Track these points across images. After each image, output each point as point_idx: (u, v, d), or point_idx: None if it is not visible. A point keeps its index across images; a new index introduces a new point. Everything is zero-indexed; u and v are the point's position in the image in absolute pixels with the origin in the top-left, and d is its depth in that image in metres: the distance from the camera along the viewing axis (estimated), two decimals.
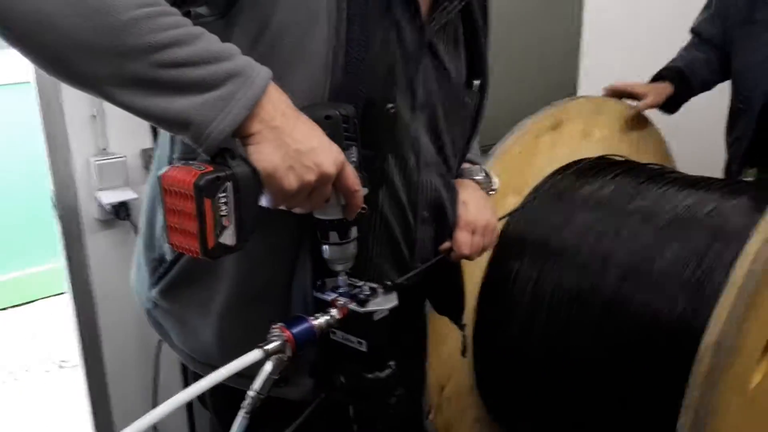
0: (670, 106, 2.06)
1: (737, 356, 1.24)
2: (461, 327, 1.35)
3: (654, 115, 2.12)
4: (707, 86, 2.14)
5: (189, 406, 2.04)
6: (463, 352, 1.42)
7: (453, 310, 1.34)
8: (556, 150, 1.78)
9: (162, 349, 1.97)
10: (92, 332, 1.99)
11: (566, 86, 2.63)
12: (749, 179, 2.04)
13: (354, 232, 0.95)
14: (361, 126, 0.95)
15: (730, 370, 1.24)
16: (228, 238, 0.81)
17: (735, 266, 1.26)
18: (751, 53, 2.02)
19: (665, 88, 2.04)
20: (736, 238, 1.46)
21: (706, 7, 2.18)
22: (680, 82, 2.06)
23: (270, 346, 0.84)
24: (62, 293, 2.98)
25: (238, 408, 0.89)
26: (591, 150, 1.86)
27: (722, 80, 2.17)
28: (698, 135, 2.27)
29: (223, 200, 0.79)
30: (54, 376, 3.12)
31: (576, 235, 1.64)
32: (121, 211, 1.86)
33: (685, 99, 2.09)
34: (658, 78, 2.09)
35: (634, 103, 1.99)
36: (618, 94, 2.00)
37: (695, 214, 1.56)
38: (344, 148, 0.88)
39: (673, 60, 2.15)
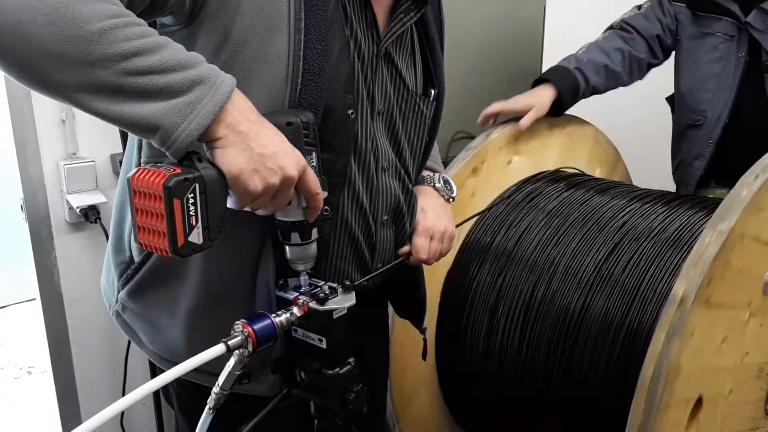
0: (555, 110, 1.92)
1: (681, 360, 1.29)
2: (422, 330, 1.39)
3: (614, 128, 2.16)
4: (597, 91, 2.01)
5: (158, 408, 2.05)
6: (424, 356, 1.46)
7: (414, 314, 1.38)
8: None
9: (130, 353, 1.98)
10: (61, 335, 1.99)
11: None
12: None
13: (315, 233, 0.99)
14: (322, 131, 0.99)
15: (676, 376, 1.28)
16: (196, 237, 0.85)
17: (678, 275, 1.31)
18: (707, 66, 2.02)
19: (548, 95, 1.89)
20: (684, 247, 1.53)
21: (638, 7, 2.12)
22: (566, 87, 1.92)
23: (232, 341, 0.88)
24: (32, 299, 2.96)
25: (204, 407, 0.92)
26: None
27: (615, 87, 2.06)
28: (652, 149, 2.31)
29: (192, 201, 0.83)
30: (23, 383, 3.10)
31: (534, 243, 1.70)
32: (90, 214, 1.87)
33: (570, 104, 1.96)
34: (542, 80, 1.94)
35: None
36: (493, 117, 1.90)
37: (647, 225, 1.63)
38: (305, 154, 0.92)
39: (567, 59, 2.01)
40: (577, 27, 2.48)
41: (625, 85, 2.09)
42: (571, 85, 1.93)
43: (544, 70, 2.56)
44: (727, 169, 1.98)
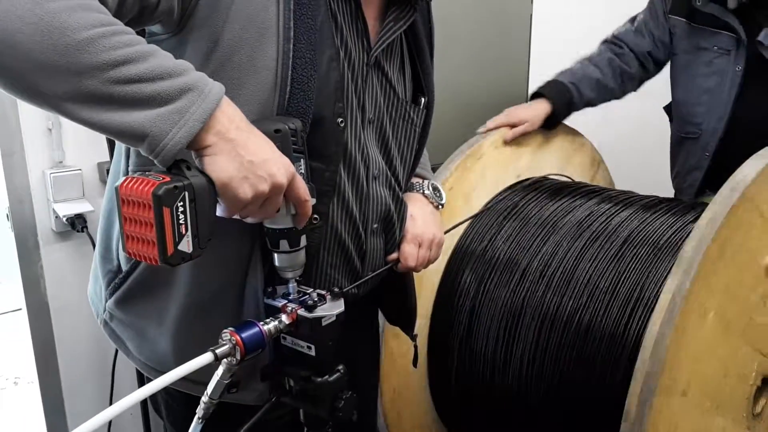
0: (549, 123, 2.00)
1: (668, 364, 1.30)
2: (413, 337, 1.39)
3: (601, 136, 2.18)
4: (591, 104, 2.10)
5: (145, 418, 2.04)
6: (415, 362, 1.46)
7: (404, 321, 1.38)
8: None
9: (118, 362, 1.96)
10: (48, 345, 1.97)
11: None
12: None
13: (303, 240, 0.99)
14: (311, 140, 0.99)
15: (663, 375, 1.29)
16: (186, 245, 0.84)
17: (666, 282, 1.32)
18: (701, 80, 2.03)
19: (543, 109, 1.98)
20: (669, 253, 1.54)
21: (631, 21, 2.17)
22: (561, 101, 2.00)
23: (220, 350, 0.88)
24: (19, 309, 2.94)
25: (193, 417, 0.92)
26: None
27: (608, 100, 2.14)
28: (639, 155, 2.33)
29: (181, 209, 0.82)
30: (9, 393, 3.07)
31: (519, 250, 1.70)
32: (77, 223, 1.87)
33: (564, 117, 2.04)
34: (538, 95, 2.02)
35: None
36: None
37: (632, 230, 1.64)
38: (293, 161, 0.93)
39: (562, 73, 2.09)
40: (563, 35, 2.50)
41: (617, 98, 2.16)
42: (565, 99, 2.02)
43: (531, 78, 2.60)
44: (723, 178, 1.95)
